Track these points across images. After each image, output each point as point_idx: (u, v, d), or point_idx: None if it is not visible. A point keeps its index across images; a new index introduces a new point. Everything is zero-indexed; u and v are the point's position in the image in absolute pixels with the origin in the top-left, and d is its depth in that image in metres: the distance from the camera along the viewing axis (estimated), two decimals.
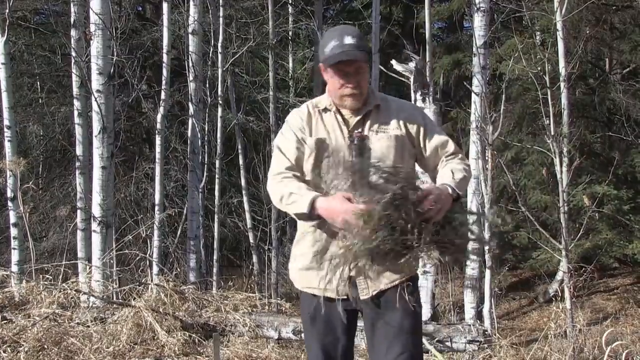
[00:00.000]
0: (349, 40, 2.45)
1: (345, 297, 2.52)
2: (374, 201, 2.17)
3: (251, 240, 9.41)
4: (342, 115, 2.56)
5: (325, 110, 2.58)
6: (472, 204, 7.59)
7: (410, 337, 2.51)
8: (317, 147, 2.51)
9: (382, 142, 2.51)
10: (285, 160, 2.51)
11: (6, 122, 7.45)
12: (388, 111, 2.58)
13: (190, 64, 8.32)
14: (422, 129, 2.57)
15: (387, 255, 2.21)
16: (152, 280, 5.88)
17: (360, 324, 2.65)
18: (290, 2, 11.83)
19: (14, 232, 7.49)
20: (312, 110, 2.60)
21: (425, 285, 6.47)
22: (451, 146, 2.60)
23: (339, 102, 2.54)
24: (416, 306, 2.54)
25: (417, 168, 2.70)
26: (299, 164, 2.51)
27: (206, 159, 8.77)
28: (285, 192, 2.41)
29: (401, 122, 2.56)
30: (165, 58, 8.25)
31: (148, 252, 7.29)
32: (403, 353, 2.47)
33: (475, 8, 7.35)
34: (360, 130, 2.53)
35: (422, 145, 2.58)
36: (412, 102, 6.37)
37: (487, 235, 5.68)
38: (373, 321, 2.55)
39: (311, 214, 2.33)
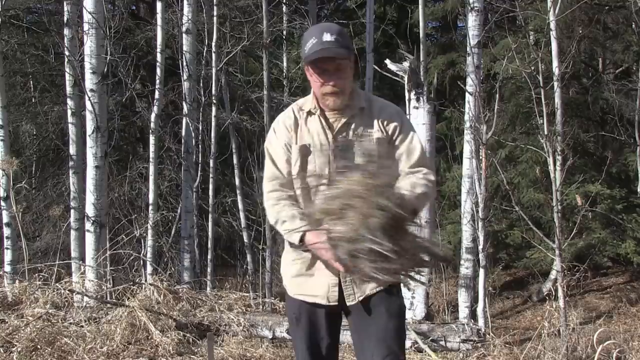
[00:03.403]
0: (327, 37, 2.38)
1: (335, 303, 2.54)
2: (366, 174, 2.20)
3: (245, 240, 9.39)
4: (326, 119, 2.51)
5: (310, 113, 2.53)
6: (466, 203, 7.62)
7: (396, 339, 2.52)
8: (302, 154, 2.49)
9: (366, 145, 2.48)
10: (276, 171, 2.54)
11: None
12: (371, 113, 2.53)
13: (184, 63, 8.30)
14: (397, 131, 2.51)
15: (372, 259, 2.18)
16: (146, 280, 5.88)
17: (345, 322, 2.67)
18: (284, 1, 11.80)
19: (6, 231, 7.46)
20: (297, 113, 2.55)
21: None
22: (417, 156, 2.51)
23: (322, 101, 2.49)
24: (401, 308, 2.56)
25: None
26: (289, 170, 2.52)
27: (200, 159, 8.74)
28: (280, 217, 2.50)
29: (381, 124, 2.51)
30: (159, 57, 8.23)
31: (142, 252, 7.28)
32: (388, 355, 2.48)
33: (469, 8, 7.37)
34: (344, 135, 2.49)
35: (395, 146, 2.52)
36: (407, 101, 6.37)
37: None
38: (359, 324, 2.56)
39: (301, 246, 2.44)
